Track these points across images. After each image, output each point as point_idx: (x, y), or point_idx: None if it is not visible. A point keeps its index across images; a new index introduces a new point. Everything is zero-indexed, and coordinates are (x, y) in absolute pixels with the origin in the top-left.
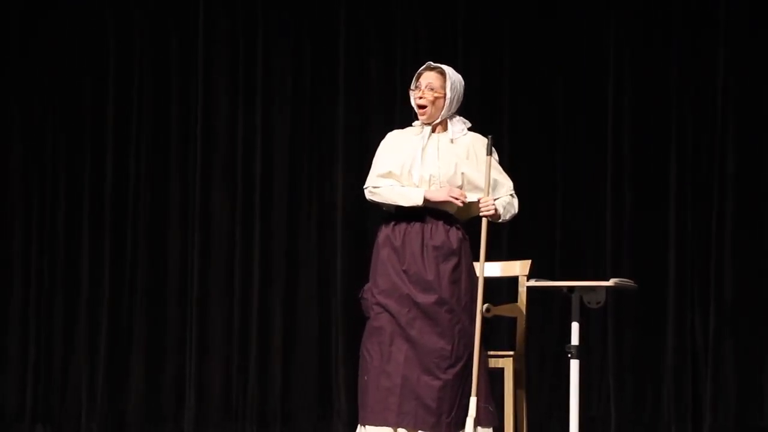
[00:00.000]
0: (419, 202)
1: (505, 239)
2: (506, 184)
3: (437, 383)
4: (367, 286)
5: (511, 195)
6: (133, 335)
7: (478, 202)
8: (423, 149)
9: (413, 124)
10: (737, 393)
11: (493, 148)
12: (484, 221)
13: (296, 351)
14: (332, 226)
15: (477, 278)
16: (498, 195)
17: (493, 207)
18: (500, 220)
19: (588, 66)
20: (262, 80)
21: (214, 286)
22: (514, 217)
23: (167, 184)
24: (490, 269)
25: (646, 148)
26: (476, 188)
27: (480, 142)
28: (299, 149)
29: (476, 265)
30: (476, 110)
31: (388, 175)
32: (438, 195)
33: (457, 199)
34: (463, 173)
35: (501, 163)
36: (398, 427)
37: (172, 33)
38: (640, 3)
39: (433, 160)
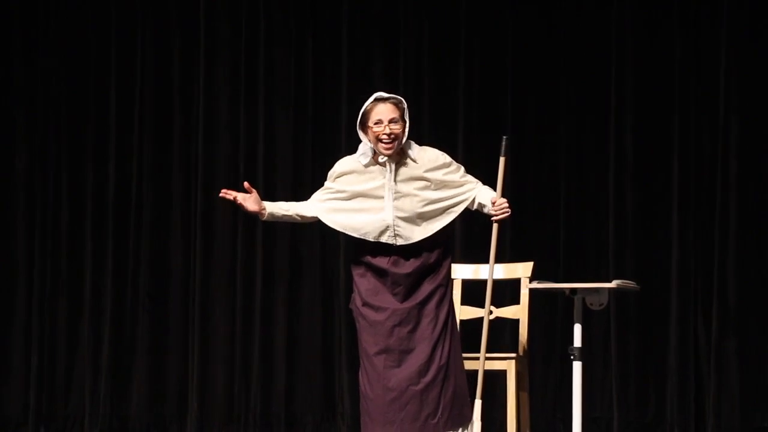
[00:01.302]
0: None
1: (509, 241)
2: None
3: (418, 387)
4: (353, 296)
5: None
6: (135, 339)
7: (493, 203)
8: (386, 189)
9: (360, 155)
10: (740, 394)
11: (446, 156)
12: (495, 225)
13: (299, 354)
14: (334, 230)
15: (451, 279)
16: (472, 188)
17: (507, 210)
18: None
19: (590, 68)
20: (263, 81)
21: (217, 290)
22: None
23: (169, 187)
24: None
25: (649, 149)
26: (433, 218)
27: (427, 159)
28: (301, 150)
29: (485, 267)
30: (479, 114)
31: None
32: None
33: None
34: (424, 208)
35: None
36: None
37: (174, 33)
38: (641, 8)
39: (393, 208)
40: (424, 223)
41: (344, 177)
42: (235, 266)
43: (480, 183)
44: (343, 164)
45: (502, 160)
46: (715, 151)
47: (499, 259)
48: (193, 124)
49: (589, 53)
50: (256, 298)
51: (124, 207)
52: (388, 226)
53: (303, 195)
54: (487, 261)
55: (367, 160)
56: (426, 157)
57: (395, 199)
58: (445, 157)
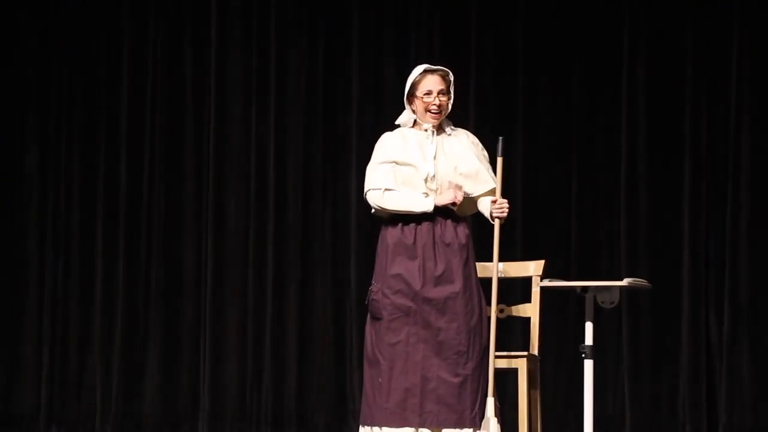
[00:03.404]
0: (430, 209)
1: (520, 239)
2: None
3: (456, 380)
4: (375, 288)
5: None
6: (147, 337)
7: (493, 202)
8: (426, 148)
9: (400, 123)
10: (752, 392)
11: (477, 140)
12: (497, 222)
13: (311, 352)
14: (346, 227)
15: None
16: (483, 188)
17: (506, 209)
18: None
19: (602, 65)
20: (275, 81)
21: (229, 288)
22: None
23: (181, 186)
24: (503, 269)
25: (661, 146)
26: (470, 178)
27: (468, 136)
28: (313, 150)
29: (490, 265)
30: (491, 111)
31: (393, 175)
32: (444, 199)
33: (456, 200)
34: (462, 173)
35: (514, 160)
36: (421, 427)
37: (186, 34)
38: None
39: (436, 161)
40: (464, 181)
41: (390, 140)
42: (247, 265)
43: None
44: (386, 137)
45: (499, 160)
46: (727, 148)
47: (510, 257)
48: (204, 122)
49: (601, 52)
50: (267, 297)
51: (135, 206)
52: (427, 179)
53: (315, 195)
54: (493, 259)
55: (408, 128)
56: (463, 133)
57: (434, 156)
58: (478, 142)
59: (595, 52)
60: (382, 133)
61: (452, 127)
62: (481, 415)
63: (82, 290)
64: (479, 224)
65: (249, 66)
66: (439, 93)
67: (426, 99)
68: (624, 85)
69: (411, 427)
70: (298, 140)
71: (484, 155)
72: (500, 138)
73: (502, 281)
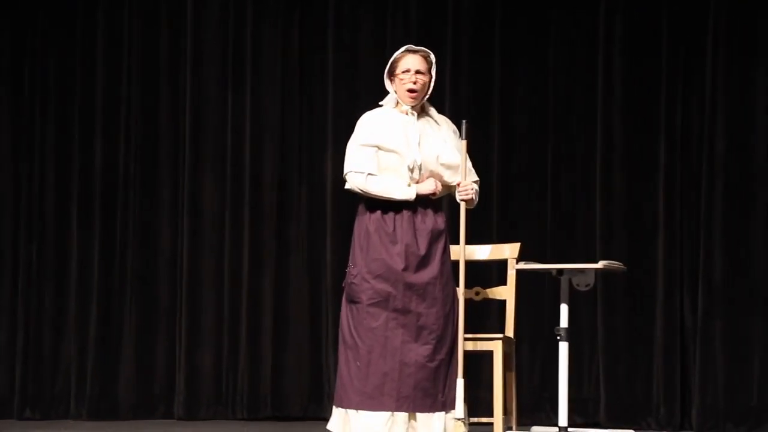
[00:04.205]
0: (413, 197)
1: (495, 222)
2: (473, 171)
3: (433, 364)
4: (354, 271)
5: (475, 182)
6: (123, 321)
7: (458, 185)
8: (410, 134)
9: (384, 104)
10: (726, 374)
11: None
12: (462, 205)
13: (287, 335)
14: (322, 210)
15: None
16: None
17: (472, 191)
18: (471, 206)
19: (578, 49)
20: (251, 64)
21: (205, 272)
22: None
23: (156, 169)
24: (479, 252)
25: (636, 129)
26: (450, 168)
27: (448, 124)
28: (289, 133)
29: (457, 248)
30: (466, 95)
31: (376, 160)
32: (425, 189)
33: (437, 191)
34: (443, 163)
35: (490, 143)
36: (397, 411)
37: (162, 11)
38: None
39: (417, 147)
40: (445, 171)
41: (371, 120)
42: (223, 247)
43: (476, 185)
44: (369, 117)
45: (462, 143)
46: (702, 132)
47: (486, 240)
48: (180, 103)
49: (577, 37)
50: (243, 280)
51: (111, 187)
52: (412, 167)
53: (291, 178)
54: (469, 242)
55: (390, 108)
56: (444, 120)
57: (418, 144)
58: (463, 141)
59: (570, 38)
60: (358, 115)
61: (436, 113)
62: (452, 397)
63: (56, 273)
64: (453, 208)
65: (225, 48)
66: (417, 72)
67: (403, 77)
68: (599, 69)
69: (387, 410)
70: (274, 123)
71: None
72: (464, 121)
73: (478, 264)
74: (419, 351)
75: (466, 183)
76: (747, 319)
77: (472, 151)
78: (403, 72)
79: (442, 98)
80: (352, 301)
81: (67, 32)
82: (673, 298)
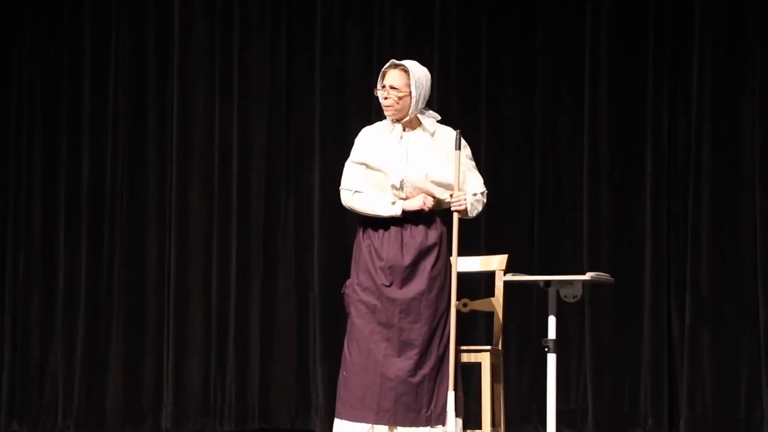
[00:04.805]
0: (398, 213)
1: (483, 234)
2: (475, 181)
3: (415, 380)
4: (349, 282)
5: (482, 193)
6: (110, 331)
7: (450, 196)
8: (395, 151)
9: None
10: (713, 385)
11: (464, 142)
12: (455, 216)
13: (274, 347)
14: (309, 221)
15: (451, 271)
16: (468, 190)
17: (464, 202)
18: (467, 217)
19: (566, 59)
20: (238, 75)
21: (192, 283)
22: (481, 212)
23: (144, 180)
24: (467, 264)
25: (623, 140)
26: (441, 185)
27: (450, 136)
28: (276, 144)
29: (460, 260)
30: (454, 106)
31: (365, 177)
32: (412, 205)
33: (425, 207)
34: (433, 180)
35: (477, 155)
36: (377, 424)
37: (149, 24)
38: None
39: (403, 164)
40: (435, 188)
41: (364, 138)
42: (211, 259)
43: (480, 195)
44: (363, 133)
45: (456, 153)
46: (688, 142)
47: (473, 252)
48: (167, 116)
49: (564, 48)
50: (231, 291)
51: (98, 200)
52: (397, 185)
53: (278, 189)
54: (461, 254)
55: (385, 124)
56: (443, 131)
57: (405, 161)
58: (465, 143)
59: (558, 48)
60: (345, 126)
61: (437, 124)
62: (438, 412)
63: (43, 285)
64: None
65: (212, 59)
66: (391, 88)
67: (379, 92)
68: (586, 80)
69: (367, 423)
70: (262, 133)
71: (465, 156)
72: (457, 131)
73: (466, 276)
74: (401, 365)
75: (459, 194)
76: (734, 329)
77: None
78: (381, 87)
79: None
80: (346, 311)
81: (54, 42)
82: (661, 309)
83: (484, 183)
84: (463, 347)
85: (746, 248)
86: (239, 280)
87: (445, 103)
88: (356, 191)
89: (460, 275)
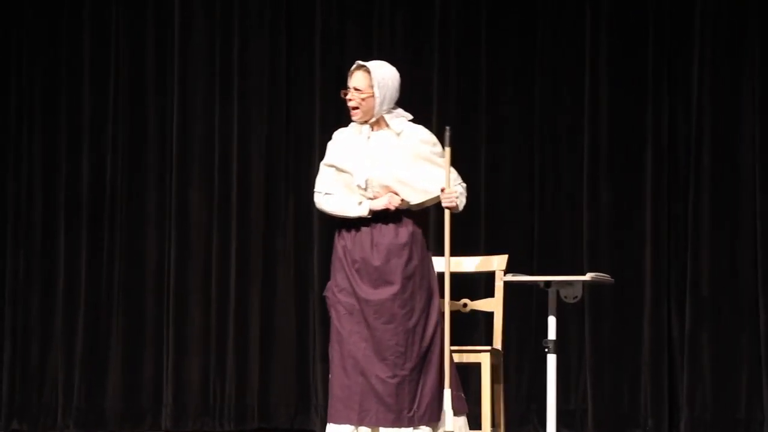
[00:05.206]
0: (365, 214)
1: (483, 234)
2: (452, 176)
3: (394, 381)
4: (329, 284)
5: (460, 184)
6: (110, 331)
7: (442, 191)
8: (362, 152)
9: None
10: (713, 385)
11: (435, 139)
12: (446, 213)
13: (274, 347)
14: (309, 221)
15: (433, 270)
16: (420, 197)
17: (455, 199)
18: (457, 211)
19: (566, 59)
20: (238, 75)
21: (192, 283)
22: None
23: (144, 180)
24: (467, 264)
25: (623, 140)
26: (406, 185)
27: (418, 135)
28: (276, 144)
29: (443, 259)
30: (454, 106)
31: (335, 178)
32: (378, 205)
33: (390, 206)
34: (398, 179)
35: (477, 155)
36: (360, 425)
37: (149, 24)
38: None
39: (369, 164)
40: (401, 188)
41: (335, 141)
42: (210, 259)
43: (461, 187)
44: (334, 136)
45: (446, 150)
46: (688, 142)
47: (473, 252)
48: (167, 116)
49: (564, 51)
50: (230, 291)
51: (98, 198)
52: (362, 186)
53: (278, 190)
54: (457, 254)
55: (353, 126)
56: (412, 130)
57: (370, 162)
58: (436, 141)
59: (558, 48)
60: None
61: (406, 122)
62: (421, 413)
63: (43, 284)
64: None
65: (211, 58)
66: (354, 89)
67: (343, 94)
68: (586, 79)
69: (350, 424)
70: (261, 132)
71: (433, 154)
72: (447, 128)
73: (466, 276)
74: (379, 366)
75: (450, 190)
76: (734, 330)
77: (458, 160)
78: (345, 88)
79: (428, 108)
80: (328, 313)
81: (53, 43)
82: (661, 310)
83: (484, 183)
84: (464, 347)
85: (746, 249)
86: (239, 280)
87: (445, 103)
88: (326, 193)
89: (459, 275)
